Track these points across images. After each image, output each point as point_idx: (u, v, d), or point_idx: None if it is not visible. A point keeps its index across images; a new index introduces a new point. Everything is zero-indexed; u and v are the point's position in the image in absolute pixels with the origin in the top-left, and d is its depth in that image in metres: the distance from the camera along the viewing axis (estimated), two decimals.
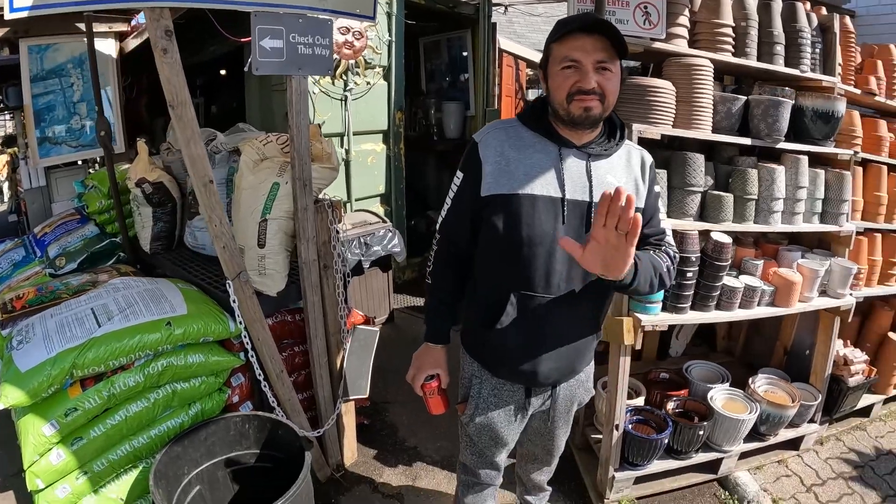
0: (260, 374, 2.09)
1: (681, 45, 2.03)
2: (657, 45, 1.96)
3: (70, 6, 1.77)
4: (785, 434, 2.67)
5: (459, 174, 1.53)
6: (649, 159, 1.54)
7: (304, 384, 2.44)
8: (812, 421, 2.73)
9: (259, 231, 2.03)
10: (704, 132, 2.04)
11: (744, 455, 2.64)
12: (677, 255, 1.58)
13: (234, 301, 1.93)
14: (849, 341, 2.99)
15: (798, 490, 2.56)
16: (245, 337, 2.03)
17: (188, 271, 2.48)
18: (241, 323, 2.00)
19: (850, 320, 2.57)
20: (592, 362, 1.76)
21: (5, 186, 12.64)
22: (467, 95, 5.29)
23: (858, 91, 2.81)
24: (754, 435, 2.60)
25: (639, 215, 1.16)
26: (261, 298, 2.09)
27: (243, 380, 2.24)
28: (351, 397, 2.36)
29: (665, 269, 1.47)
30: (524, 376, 1.60)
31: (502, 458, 1.84)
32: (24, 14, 1.62)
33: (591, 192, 1.43)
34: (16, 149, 8.85)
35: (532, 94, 7.53)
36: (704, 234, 2.16)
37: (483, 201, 1.47)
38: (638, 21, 1.85)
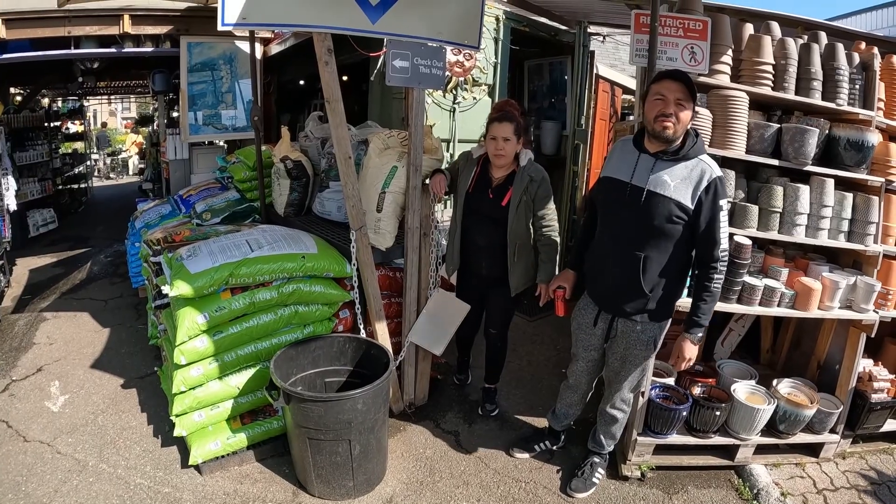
0: (359, 309, 2.79)
1: (722, 80, 2.56)
2: (701, 79, 2.52)
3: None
4: (804, 437, 2.93)
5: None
6: (711, 178, 2.18)
7: (394, 331, 3.12)
8: (833, 431, 2.97)
9: (379, 200, 2.78)
10: (737, 152, 2.56)
11: (762, 450, 2.90)
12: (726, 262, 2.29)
13: (353, 246, 2.67)
14: (881, 363, 3.19)
15: (808, 490, 2.77)
16: (356, 278, 2.74)
17: (314, 231, 3.19)
18: (355, 266, 2.72)
19: (872, 335, 2.83)
20: (653, 341, 2.45)
21: (132, 161, 14.57)
22: (565, 116, 5.67)
23: None
24: (773, 431, 2.89)
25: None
26: (372, 251, 2.81)
27: (348, 315, 2.98)
28: (422, 346, 3.04)
29: (715, 295, 2.29)
30: (593, 294, 2.54)
31: (579, 366, 2.70)
32: (231, 28, 2.25)
33: (647, 181, 2.20)
34: (148, 128, 10.28)
35: (630, 118, 7.82)
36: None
37: (600, 179, 2.42)
38: (685, 59, 2.44)
